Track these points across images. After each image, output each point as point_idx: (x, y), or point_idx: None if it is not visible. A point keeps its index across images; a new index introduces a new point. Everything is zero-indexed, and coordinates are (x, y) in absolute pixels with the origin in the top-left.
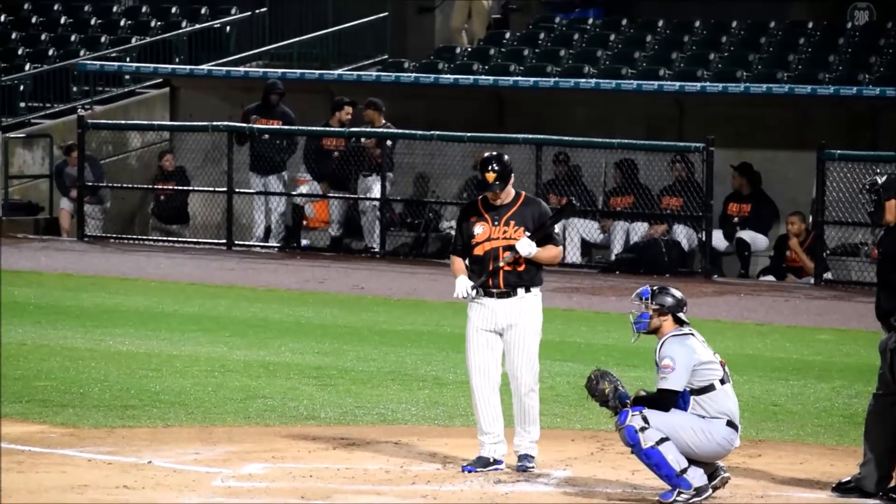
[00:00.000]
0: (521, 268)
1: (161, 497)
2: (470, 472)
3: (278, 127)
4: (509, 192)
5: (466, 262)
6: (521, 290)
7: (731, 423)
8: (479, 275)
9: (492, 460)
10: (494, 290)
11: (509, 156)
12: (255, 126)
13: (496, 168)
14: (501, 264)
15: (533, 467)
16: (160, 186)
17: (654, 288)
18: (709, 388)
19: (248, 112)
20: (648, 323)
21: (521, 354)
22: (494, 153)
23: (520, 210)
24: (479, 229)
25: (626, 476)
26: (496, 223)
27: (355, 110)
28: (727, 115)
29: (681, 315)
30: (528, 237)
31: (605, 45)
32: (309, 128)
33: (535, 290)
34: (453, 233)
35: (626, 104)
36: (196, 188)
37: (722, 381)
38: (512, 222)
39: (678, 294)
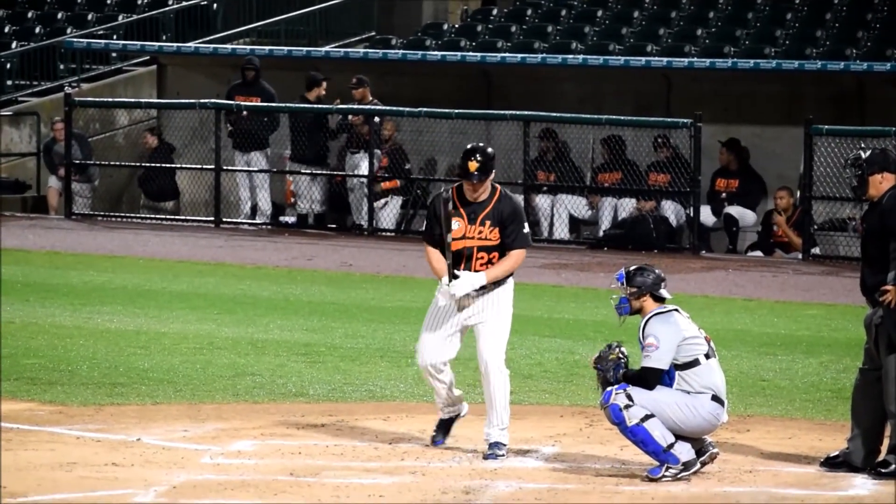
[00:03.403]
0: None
1: (150, 474)
2: (441, 444)
3: (262, 104)
4: (486, 188)
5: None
6: (490, 284)
7: (716, 398)
8: (450, 269)
9: (453, 418)
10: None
11: (498, 133)
12: (241, 103)
13: (479, 158)
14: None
15: (503, 455)
16: (147, 164)
17: (630, 270)
18: (693, 364)
19: (231, 90)
20: (629, 306)
21: (487, 336)
22: (480, 144)
23: (495, 208)
24: (456, 225)
25: (615, 452)
26: (472, 221)
27: (332, 87)
28: (715, 91)
29: (661, 293)
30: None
31: (592, 21)
32: (294, 105)
33: (505, 281)
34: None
35: (613, 80)
36: (183, 166)
37: (707, 356)
38: (487, 222)
39: (655, 271)
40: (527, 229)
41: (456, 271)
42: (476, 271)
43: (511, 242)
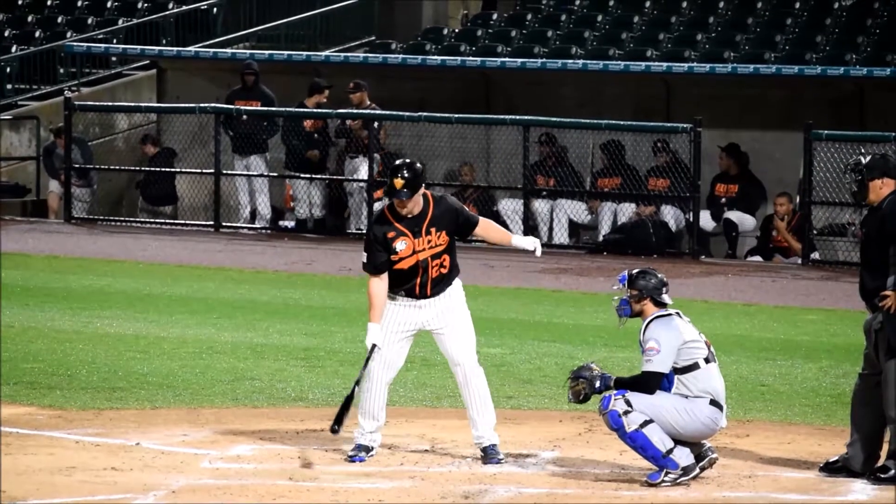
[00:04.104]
0: (446, 269)
1: (149, 479)
2: (360, 461)
3: (261, 108)
4: (417, 202)
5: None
6: (447, 289)
7: (714, 402)
8: (403, 285)
9: (370, 448)
10: (421, 298)
11: (497, 137)
12: (241, 108)
13: (406, 175)
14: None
15: (502, 458)
16: (147, 169)
17: (633, 273)
18: (693, 367)
19: (231, 95)
20: (630, 308)
21: (458, 340)
22: (407, 160)
23: (434, 214)
24: (402, 245)
25: (614, 457)
26: (417, 235)
27: (332, 92)
28: (715, 96)
29: (662, 298)
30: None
31: (592, 26)
32: (294, 109)
33: (455, 281)
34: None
35: (613, 85)
36: (183, 170)
37: (707, 360)
38: (433, 229)
39: (657, 276)
40: (465, 208)
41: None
42: (433, 279)
43: (473, 221)
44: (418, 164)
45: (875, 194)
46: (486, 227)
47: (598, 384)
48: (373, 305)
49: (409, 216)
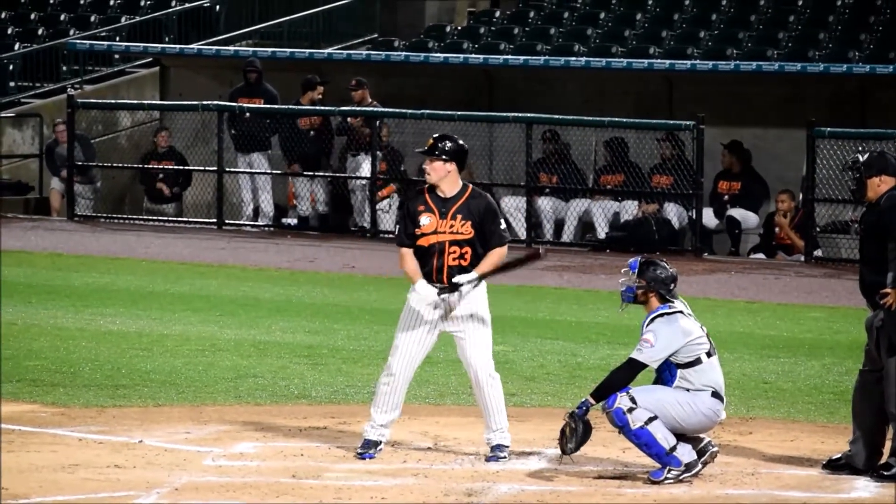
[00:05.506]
0: (466, 262)
1: (152, 476)
2: (370, 458)
3: (264, 106)
4: (450, 181)
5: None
6: (466, 290)
7: (716, 394)
8: (422, 267)
9: (378, 443)
10: (438, 286)
11: (500, 134)
12: (244, 105)
13: (437, 138)
14: (461, 281)
15: (505, 457)
16: (152, 166)
17: (644, 261)
18: (696, 362)
19: (234, 93)
20: (634, 295)
21: (474, 346)
22: (455, 136)
23: (466, 203)
24: (426, 220)
25: (617, 454)
26: (443, 216)
27: (334, 89)
28: (717, 93)
29: (669, 293)
30: (469, 281)
31: (595, 23)
32: (295, 107)
33: (480, 286)
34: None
35: (616, 82)
36: (186, 167)
37: (708, 354)
38: (459, 216)
39: (668, 270)
40: (503, 225)
41: (442, 282)
42: (449, 266)
43: (490, 241)
44: (459, 141)
45: (873, 191)
46: (490, 255)
47: (577, 410)
48: (409, 270)
49: (442, 195)
